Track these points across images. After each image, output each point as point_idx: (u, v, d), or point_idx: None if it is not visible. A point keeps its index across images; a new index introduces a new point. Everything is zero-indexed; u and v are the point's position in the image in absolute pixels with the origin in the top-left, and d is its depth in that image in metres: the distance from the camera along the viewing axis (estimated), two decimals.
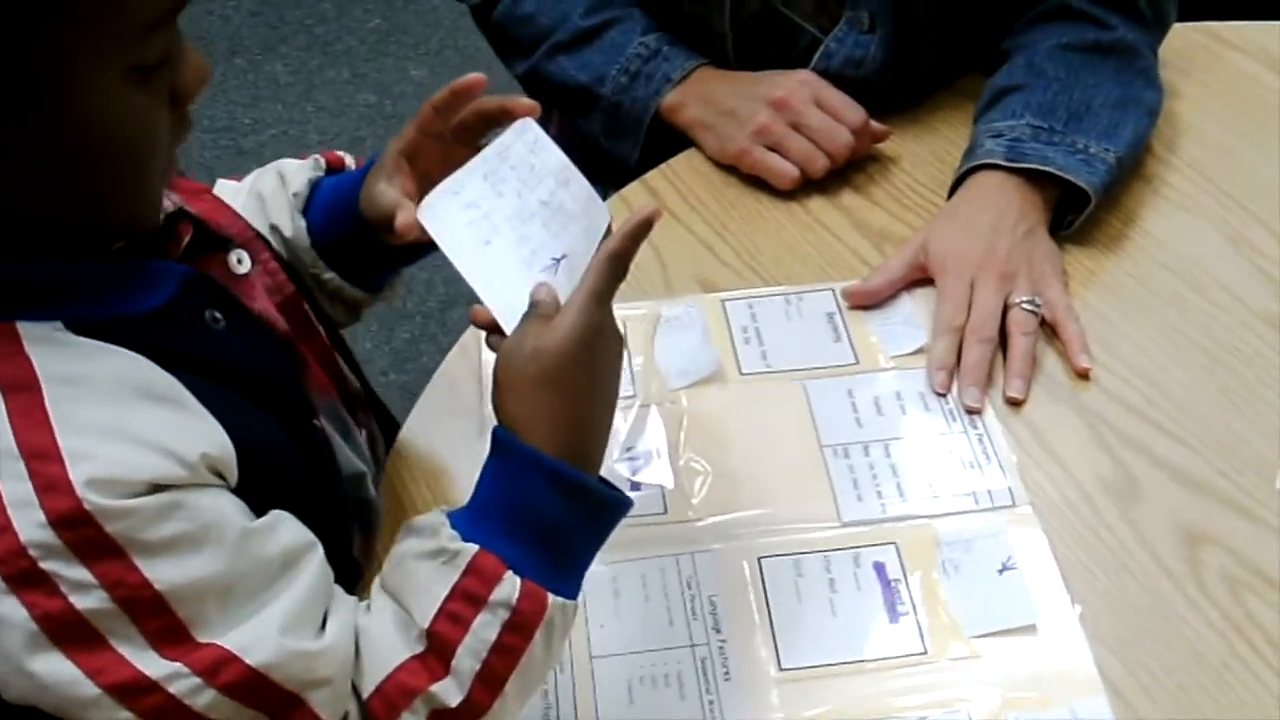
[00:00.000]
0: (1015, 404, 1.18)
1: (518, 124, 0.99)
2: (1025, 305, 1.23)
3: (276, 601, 0.83)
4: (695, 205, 1.39)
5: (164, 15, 0.79)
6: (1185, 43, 1.55)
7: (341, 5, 3.37)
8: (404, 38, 3.26)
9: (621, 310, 1.24)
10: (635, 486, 1.10)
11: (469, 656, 0.84)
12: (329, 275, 1.14)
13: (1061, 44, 1.40)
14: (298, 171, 1.16)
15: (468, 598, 0.85)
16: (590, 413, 0.91)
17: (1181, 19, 1.53)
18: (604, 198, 1.39)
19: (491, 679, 0.85)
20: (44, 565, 0.75)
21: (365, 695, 0.86)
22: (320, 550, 0.89)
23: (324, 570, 0.88)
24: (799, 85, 1.39)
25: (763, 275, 1.32)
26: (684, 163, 1.45)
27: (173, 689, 0.77)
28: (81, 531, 0.76)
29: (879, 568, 1.07)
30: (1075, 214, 1.31)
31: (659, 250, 1.34)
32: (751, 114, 1.39)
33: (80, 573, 0.76)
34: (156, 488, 0.78)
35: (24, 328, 0.80)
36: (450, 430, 1.19)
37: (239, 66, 3.14)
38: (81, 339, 0.81)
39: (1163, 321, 1.25)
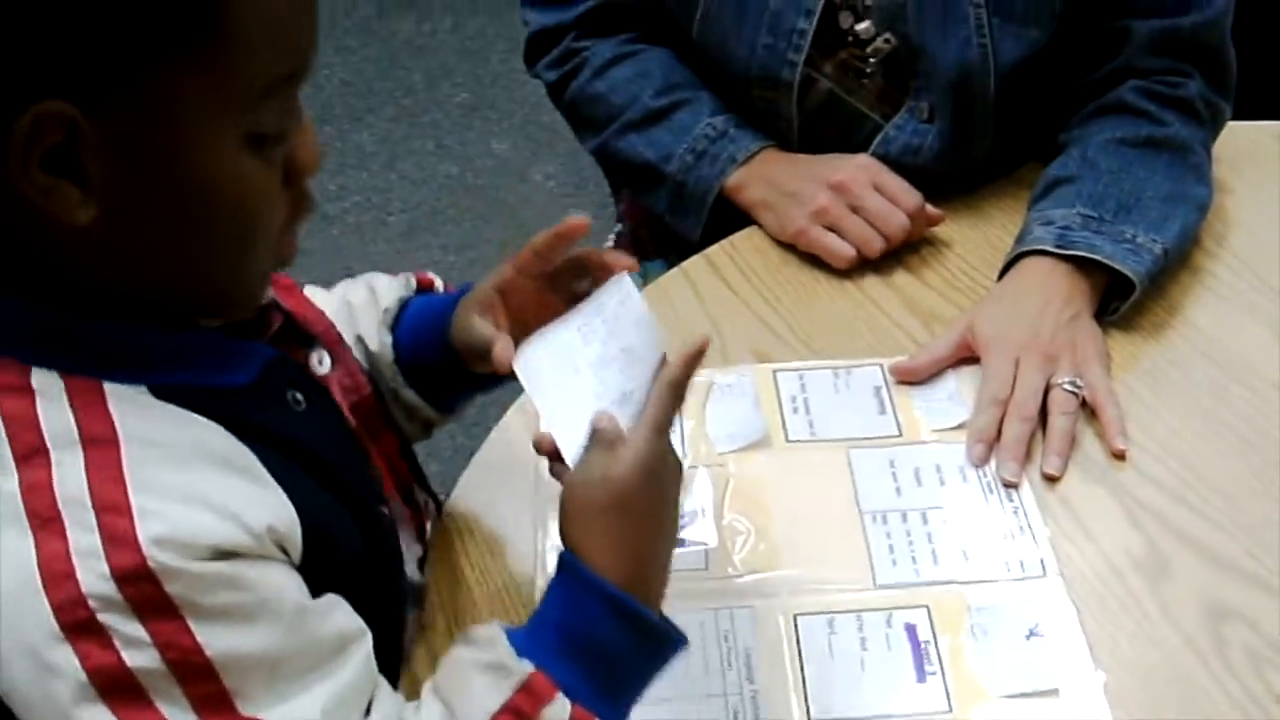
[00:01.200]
0: (1052, 480, 1.22)
1: (614, 280, 1.03)
2: (1067, 386, 1.27)
3: (323, 684, 0.84)
4: (753, 280, 1.45)
5: (281, 82, 0.80)
6: (1242, 140, 1.60)
7: (431, 79, 3.48)
8: (489, 112, 3.36)
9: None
10: (680, 543, 1.15)
11: None
12: (408, 392, 1.15)
13: (1116, 138, 1.45)
14: (389, 288, 1.19)
15: (518, 714, 0.87)
16: (654, 544, 0.95)
17: (1241, 118, 1.58)
18: (666, 269, 1.46)
19: None
20: (101, 617, 0.76)
21: None
22: (369, 640, 0.90)
23: (370, 660, 0.90)
24: (858, 169, 1.45)
25: (814, 349, 1.37)
26: (745, 239, 1.50)
27: None
28: (142, 588, 0.77)
29: (910, 629, 1.11)
30: (1120, 301, 1.36)
31: (717, 322, 1.40)
32: (812, 195, 1.45)
33: (136, 629, 0.77)
34: (221, 554, 0.79)
35: (110, 387, 0.82)
36: (504, 493, 1.23)
37: (327, 134, 3.24)
38: (164, 404, 0.83)
39: (1201, 409, 1.29)
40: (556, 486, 0.98)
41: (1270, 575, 1.14)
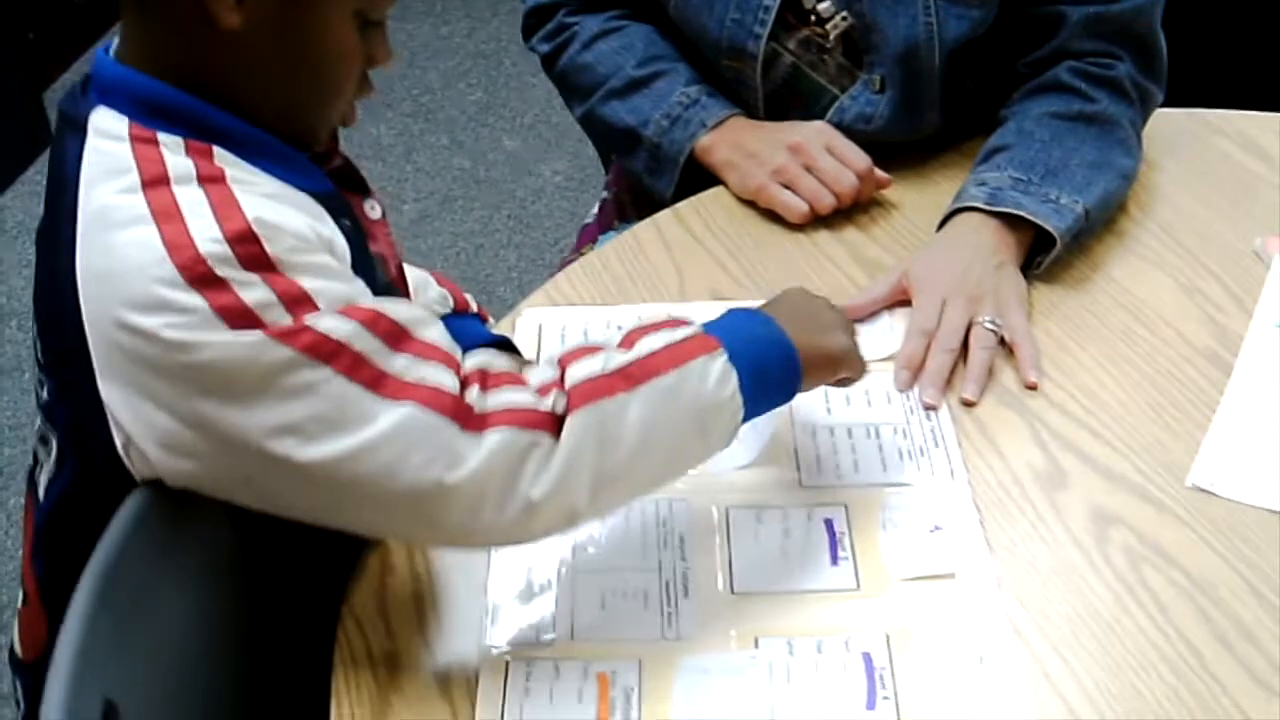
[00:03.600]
0: (968, 405, 1.36)
1: None
2: (988, 325, 1.40)
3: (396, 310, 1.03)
4: (715, 232, 1.59)
5: None
6: (1175, 126, 1.74)
7: (448, 79, 3.64)
8: (502, 110, 3.51)
9: (635, 307, 1.45)
10: None
11: (654, 340, 1.08)
12: None
13: (1050, 112, 1.59)
14: (427, 294, 1.41)
15: (677, 358, 1.07)
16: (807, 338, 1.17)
17: (1175, 104, 1.72)
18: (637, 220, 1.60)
19: (668, 355, 1.07)
20: (219, 271, 0.97)
21: (557, 357, 1.08)
22: None
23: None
24: (814, 133, 1.60)
25: (766, 292, 1.49)
26: (711, 198, 1.65)
27: (321, 326, 0.98)
28: (249, 248, 0.97)
29: (828, 522, 1.24)
30: (1044, 256, 1.49)
31: (679, 264, 1.54)
32: (771, 156, 1.60)
33: (247, 275, 0.97)
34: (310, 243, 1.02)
35: (219, 151, 1.03)
36: None
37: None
38: (264, 172, 1.05)
39: (1112, 350, 1.42)
40: None
41: (1154, 489, 1.27)
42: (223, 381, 0.97)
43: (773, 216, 1.61)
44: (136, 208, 0.99)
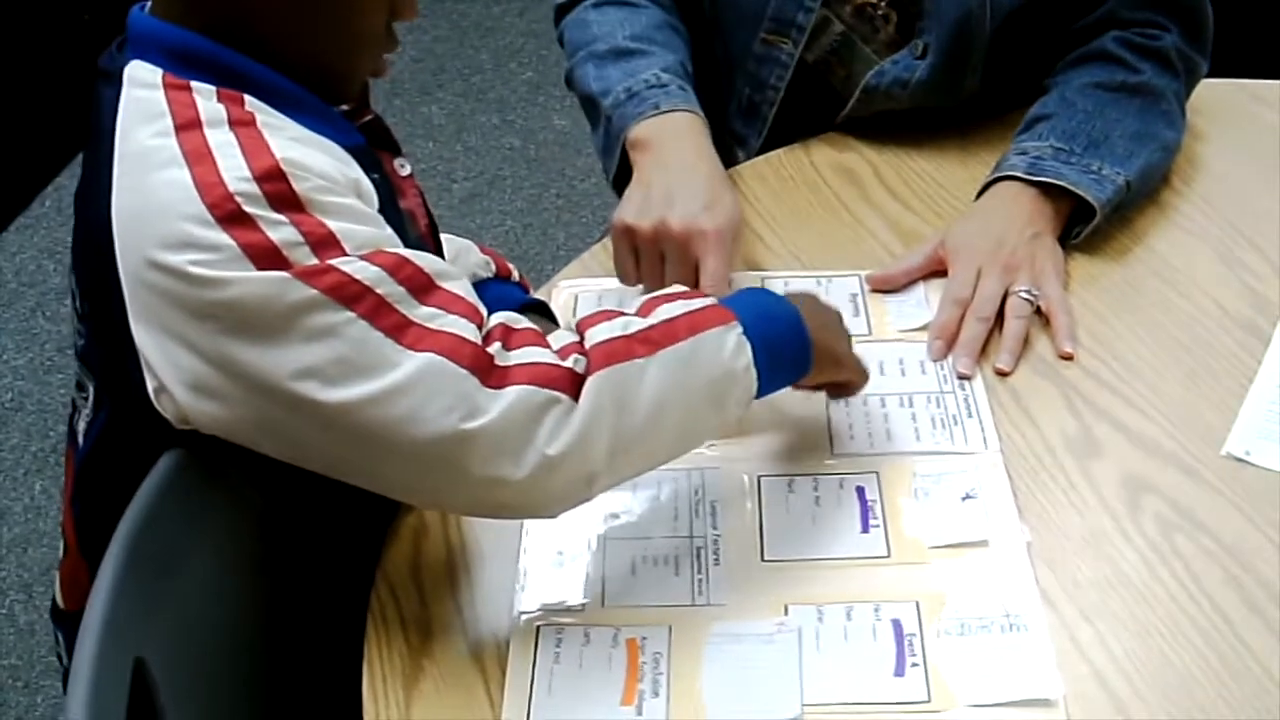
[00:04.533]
0: (1002, 375, 1.35)
1: None
2: (1023, 294, 1.40)
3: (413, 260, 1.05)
4: (753, 202, 1.60)
5: None
6: (1219, 96, 1.72)
7: (498, 58, 3.65)
8: (553, 89, 3.52)
9: None
10: None
11: (672, 309, 1.09)
12: None
13: (1094, 82, 1.58)
14: (470, 259, 1.42)
15: (692, 327, 1.08)
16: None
17: (1219, 74, 1.70)
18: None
19: (685, 323, 1.08)
20: (248, 208, 0.99)
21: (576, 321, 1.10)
22: None
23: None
24: (698, 236, 1.36)
25: (803, 262, 1.51)
26: (749, 169, 1.66)
27: (345, 269, 1.00)
28: (278, 185, 1.00)
29: (860, 490, 1.24)
30: (1084, 226, 1.48)
31: None
32: (649, 213, 1.39)
33: (275, 215, 0.99)
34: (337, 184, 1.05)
35: (250, 99, 1.06)
36: None
37: (398, 107, 3.42)
38: (294, 121, 1.08)
39: (1148, 320, 1.42)
40: None
41: (1188, 456, 1.26)
42: (247, 320, 0.99)
43: (812, 189, 1.61)
44: (170, 149, 1.02)
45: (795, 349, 1.15)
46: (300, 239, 0.99)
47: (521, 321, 1.08)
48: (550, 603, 1.16)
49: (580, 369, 1.03)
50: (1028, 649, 1.11)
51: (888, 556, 1.19)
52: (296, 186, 1.01)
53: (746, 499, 1.24)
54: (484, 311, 1.06)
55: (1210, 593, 1.14)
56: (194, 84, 1.06)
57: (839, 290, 1.46)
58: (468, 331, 1.02)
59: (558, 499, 1.06)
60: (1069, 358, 1.37)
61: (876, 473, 1.26)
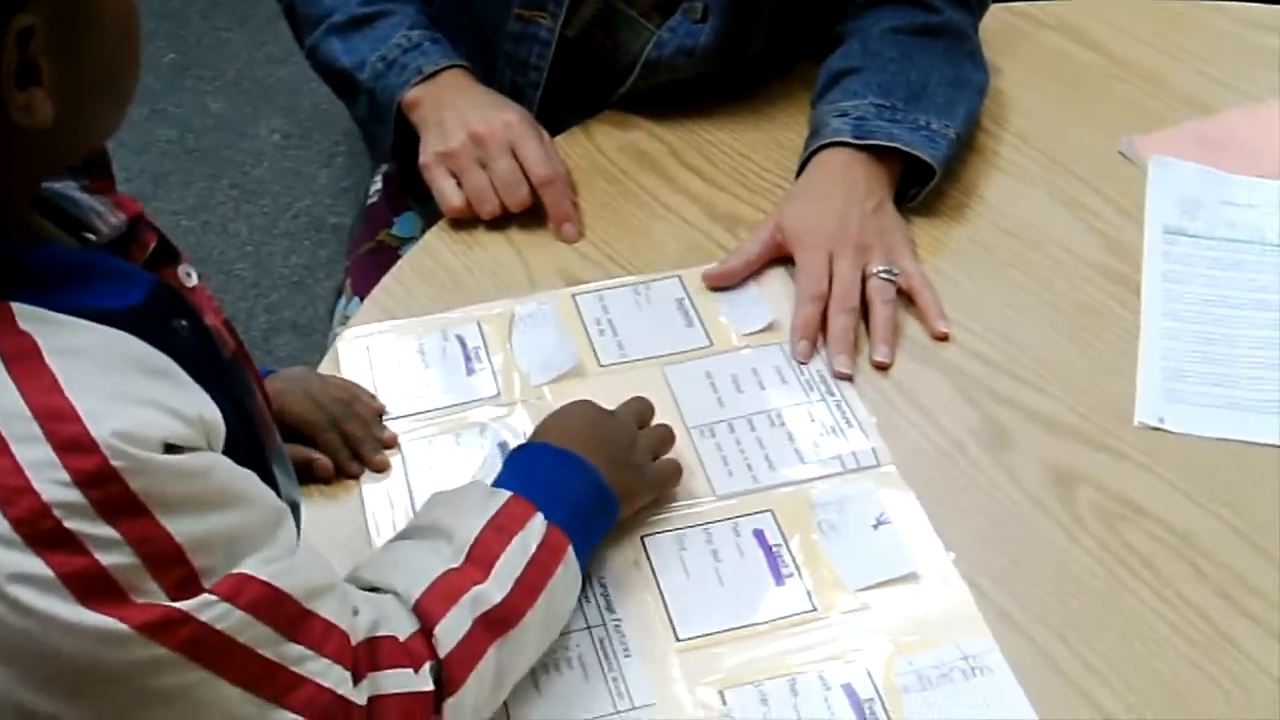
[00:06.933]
0: (882, 368, 1.22)
1: None
2: (883, 274, 1.27)
3: (276, 543, 0.83)
4: None
5: None
6: (1000, 23, 1.62)
7: None
8: (201, 71, 3.22)
9: (476, 310, 1.27)
10: None
11: (509, 562, 0.95)
12: None
13: (892, 27, 1.44)
14: None
15: (501, 528, 0.96)
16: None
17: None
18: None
19: (530, 586, 0.95)
20: (69, 524, 0.74)
21: (413, 599, 0.91)
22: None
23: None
24: (504, 127, 1.39)
25: (622, 265, 1.34)
26: None
27: (203, 617, 0.77)
28: (108, 489, 0.74)
29: (759, 534, 1.08)
30: (918, 187, 1.37)
31: (520, 249, 1.35)
32: (451, 134, 1.40)
33: (106, 530, 0.74)
34: (170, 448, 0.77)
35: (17, 307, 0.77)
36: None
37: None
38: (71, 318, 0.79)
39: (1008, 281, 1.31)
40: None
41: (1105, 435, 1.16)
42: (72, 676, 0.77)
43: (607, 178, 1.43)
44: None
45: (602, 517, 1.06)
46: (138, 562, 0.76)
47: (377, 629, 0.90)
48: None
49: (441, 682, 0.90)
50: (995, 691, 0.98)
51: (813, 609, 1.03)
52: (132, 484, 0.75)
53: (637, 569, 1.07)
54: (353, 627, 0.87)
55: (1180, 590, 1.04)
56: None
57: (661, 296, 1.29)
58: (341, 684, 0.84)
59: None
60: (944, 338, 1.25)
61: (770, 510, 1.10)
